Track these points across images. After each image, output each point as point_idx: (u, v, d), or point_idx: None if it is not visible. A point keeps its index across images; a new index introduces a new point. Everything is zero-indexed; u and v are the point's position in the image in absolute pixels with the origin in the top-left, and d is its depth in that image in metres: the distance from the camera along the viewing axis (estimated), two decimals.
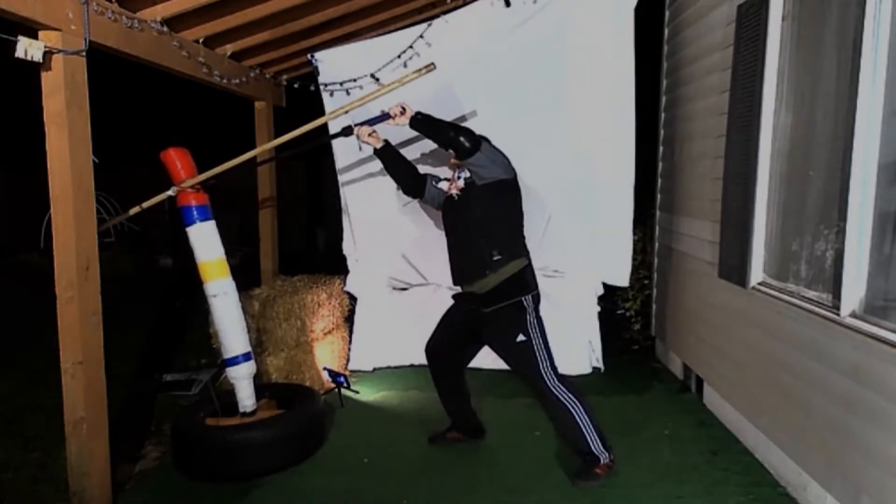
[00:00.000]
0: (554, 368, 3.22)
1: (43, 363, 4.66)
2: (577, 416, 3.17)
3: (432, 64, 3.39)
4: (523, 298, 3.21)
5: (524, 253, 3.33)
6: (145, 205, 3.56)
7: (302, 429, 3.53)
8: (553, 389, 3.18)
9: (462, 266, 3.34)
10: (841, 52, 2.73)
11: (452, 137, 3.14)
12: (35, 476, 3.37)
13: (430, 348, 3.58)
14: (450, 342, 3.54)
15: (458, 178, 3.41)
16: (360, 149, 3.73)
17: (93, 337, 2.93)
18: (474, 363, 4.86)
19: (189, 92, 6.16)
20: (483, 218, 3.26)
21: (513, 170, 3.30)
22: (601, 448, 3.19)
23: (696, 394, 4.34)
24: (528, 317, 3.21)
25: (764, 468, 3.30)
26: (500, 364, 4.84)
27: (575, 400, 3.18)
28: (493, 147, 3.28)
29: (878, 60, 2.43)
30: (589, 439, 3.18)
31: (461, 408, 3.69)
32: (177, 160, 3.45)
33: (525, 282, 3.26)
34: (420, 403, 4.36)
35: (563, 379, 3.24)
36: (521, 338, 3.20)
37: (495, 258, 3.18)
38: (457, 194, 3.37)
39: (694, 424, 3.85)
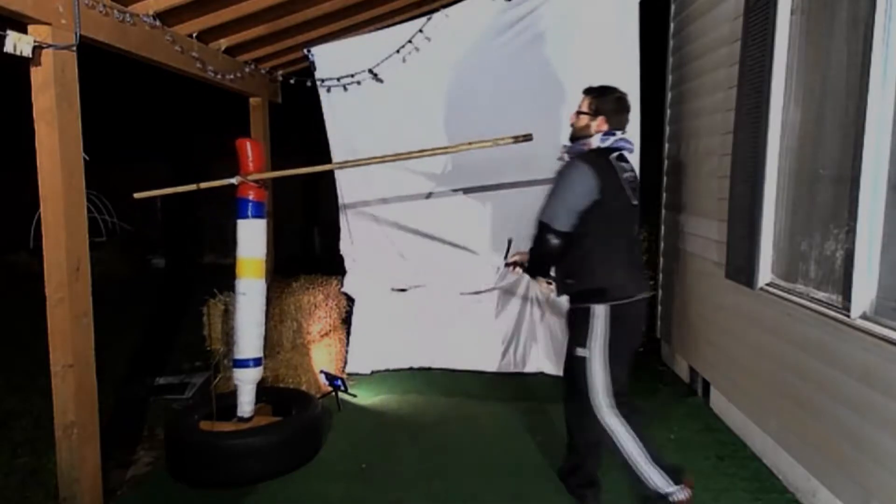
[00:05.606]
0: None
1: (32, 366, 4.59)
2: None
3: (530, 135, 3.01)
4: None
5: None
6: (203, 185, 3.49)
7: (298, 435, 3.48)
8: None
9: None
10: (851, 47, 2.70)
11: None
12: (24, 482, 3.31)
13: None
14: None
15: None
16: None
17: (83, 339, 2.89)
18: (479, 366, 4.84)
19: (182, 88, 6.08)
20: None
21: None
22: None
23: (703, 397, 4.29)
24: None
25: (772, 473, 3.26)
26: (503, 368, 4.83)
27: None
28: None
29: (890, 55, 2.39)
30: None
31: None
32: (250, 151, 3.47)
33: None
34: (419, 407, 4.31)
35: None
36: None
37: None
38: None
39: (700, 429, 3.81)
